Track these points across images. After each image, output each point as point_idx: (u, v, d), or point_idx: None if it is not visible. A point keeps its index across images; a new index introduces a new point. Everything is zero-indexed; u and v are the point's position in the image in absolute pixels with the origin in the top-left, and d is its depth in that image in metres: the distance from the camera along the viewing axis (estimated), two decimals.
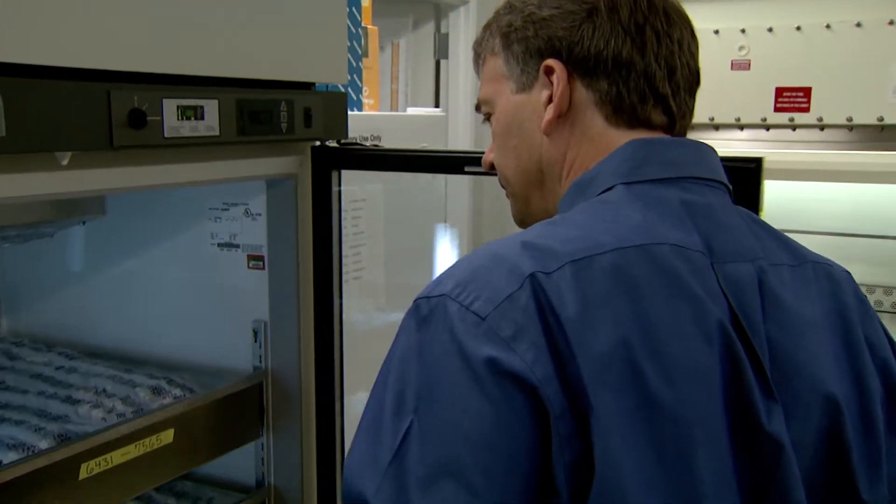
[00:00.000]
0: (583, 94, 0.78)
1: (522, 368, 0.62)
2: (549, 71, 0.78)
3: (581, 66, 0.77)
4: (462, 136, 3.07)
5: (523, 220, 0.88)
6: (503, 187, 0.89)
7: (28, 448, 1.08)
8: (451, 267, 0.70)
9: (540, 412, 0.62)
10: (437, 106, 3.19)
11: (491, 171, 0.90)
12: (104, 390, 1.27)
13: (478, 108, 0.89)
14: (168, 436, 1.15)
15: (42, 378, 1.35)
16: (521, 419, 0.62)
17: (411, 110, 2.04)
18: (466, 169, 1.15)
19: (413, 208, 1.93)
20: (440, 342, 0.64)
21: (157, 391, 1.28)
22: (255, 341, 1.33)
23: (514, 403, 0.62)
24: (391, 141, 1.64)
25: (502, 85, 0.83)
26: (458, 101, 3.27)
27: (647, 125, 0.79)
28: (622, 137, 0.78)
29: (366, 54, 1.95)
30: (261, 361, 1.33)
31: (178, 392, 1.29)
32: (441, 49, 3.53)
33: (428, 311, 0.66)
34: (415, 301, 0.68)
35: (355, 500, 0.65)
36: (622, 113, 0.78)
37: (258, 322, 1.33)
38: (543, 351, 0.63)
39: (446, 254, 1.99)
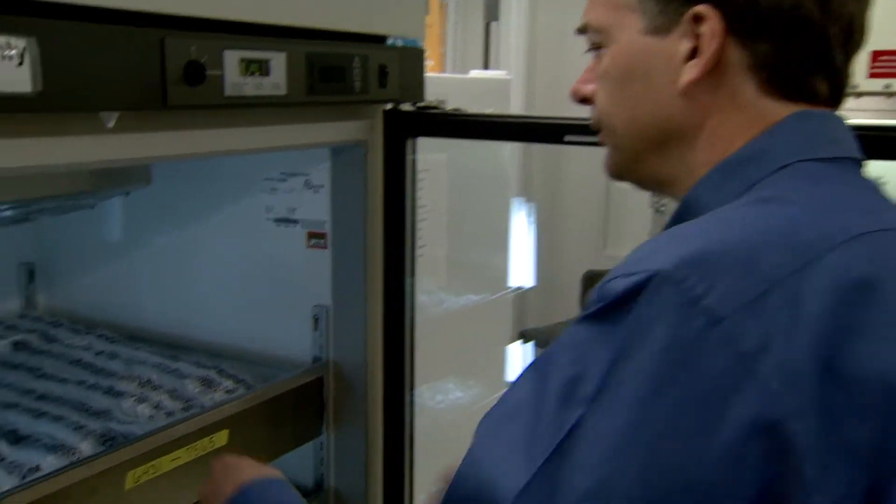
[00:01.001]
0: (736, 53, 0.63)
1: (764, 395, 0.48)
2: (698, 19, 0.62)
3: (743, 21, 0.62)
4: (515, 101, 2.90)
5: (620, 175, 0.73)
6: (596, 129, 0.73)
7: (69, 450, 0.95)
8: (661, 239, 0.55)
9: (777, 450, 0.48)
10: (486, 69, 3.02)
11: (580, 102, 0.74)
12: (149, 381, 1.14)
13: (582, 30, 0.73)
14: (222, 437, 1.02)
15: (82, 365, 1.22)
16: (749, 459, 0.48)
17: (474, 73, 1.87)
18: (567, 138, 0.99)
19: (478, 180, 1.77)
20: (651, 339, 0.49)
21: (207, 383, 1.15)
22: (316, 329, 1.19)
23: (742, 437, 0.48)
24: (455, 106, 1.49)
25: (626, 17, 0.67)
26: (509, 65, 3.10)
27: (809, 98, 0.64)
28: (778, 110, 0.64)
29: (427, 11, 1.79)
30: (322, 351, 1.19)
31: (230, 384, 1.15)
32: (491, 11, 3.35)
33: (627, 288, 0.51)
34: (607, 279, 0.54)
35: (486, 492, 0.52)
36: (781, 82, 0.63)
37: (319, 307, 1.19)
38: (800, 374, 0.48)
39: (516, 230, 1.83)
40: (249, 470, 0.85)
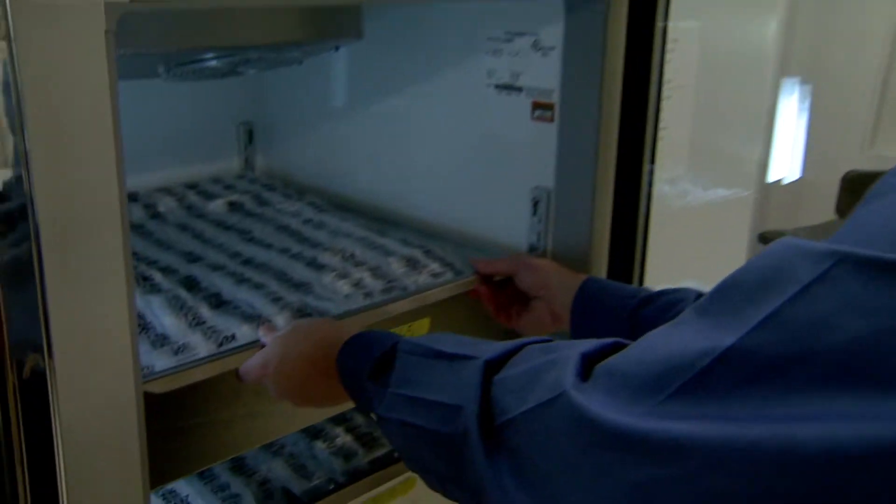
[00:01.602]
0: None
1: None
2: None
3: None
4: None
5: None
6: None
7: (265, 322, 0.89)
8: None
9: None
10: None
11: None
12: (352, 255, 1.07)
13: None
14: (422, 325, 0.92)
15: (288, 232, 1.17)
16: None
17: None
18: None
19: (736, 56, 1.50)
20: None
21: (412, 263, 1.05)
22: (534, 213, 1.05)
23: None
24: None
25: None
26: None
27: None
28: None
29: None
30: (539, 239, 1.06)
31: (436, 267, 1.05)
32: None
33: None
34: None
35: None
36: None
37: (540, 190, 1.04)
38: None
39: (787, 118, 1.56)
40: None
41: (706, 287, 0.45)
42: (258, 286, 0.98)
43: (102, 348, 0.60)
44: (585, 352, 0.46)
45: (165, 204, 1.29)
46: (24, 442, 0.56)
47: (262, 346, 0.78)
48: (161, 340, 0.85)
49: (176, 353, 0.83)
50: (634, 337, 0.46)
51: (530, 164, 1.04)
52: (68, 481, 0.59)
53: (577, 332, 0.83)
